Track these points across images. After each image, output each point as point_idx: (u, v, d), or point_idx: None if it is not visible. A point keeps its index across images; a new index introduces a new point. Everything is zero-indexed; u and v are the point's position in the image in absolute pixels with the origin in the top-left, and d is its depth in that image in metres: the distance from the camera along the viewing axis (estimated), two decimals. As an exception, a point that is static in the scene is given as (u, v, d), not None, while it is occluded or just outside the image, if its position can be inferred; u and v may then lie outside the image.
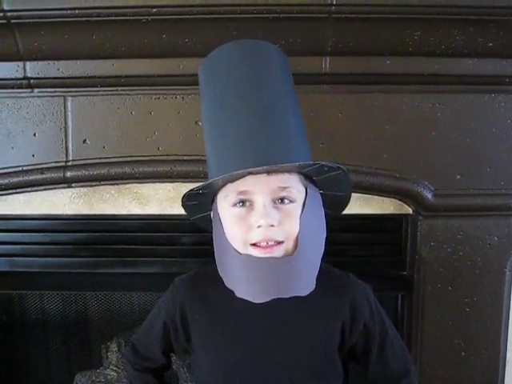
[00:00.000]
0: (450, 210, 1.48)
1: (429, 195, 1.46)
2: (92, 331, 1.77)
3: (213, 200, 1.03)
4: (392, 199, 1.53)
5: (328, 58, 1.37)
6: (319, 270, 0.99)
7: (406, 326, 1.63)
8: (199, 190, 0.97)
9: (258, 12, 1.27)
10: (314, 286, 0.98)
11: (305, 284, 0.97)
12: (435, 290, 1.52)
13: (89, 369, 1.67)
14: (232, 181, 0.95)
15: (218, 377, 1.06)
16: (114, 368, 1.63)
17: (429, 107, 1.43)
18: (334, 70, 1.39)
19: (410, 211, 1.54)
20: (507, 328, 1.56)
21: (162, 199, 1.55)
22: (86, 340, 1.79)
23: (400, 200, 1.52)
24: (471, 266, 1.51)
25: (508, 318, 1.56)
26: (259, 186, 0.94)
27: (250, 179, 0.94)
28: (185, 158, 1.44)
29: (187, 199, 1.02)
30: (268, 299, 0.95)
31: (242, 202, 0.96)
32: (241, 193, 0.95)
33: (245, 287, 0.97)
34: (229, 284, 0.99)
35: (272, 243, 0.94)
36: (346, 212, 1.13)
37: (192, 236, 1.60)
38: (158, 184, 1.53)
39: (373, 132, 1.44)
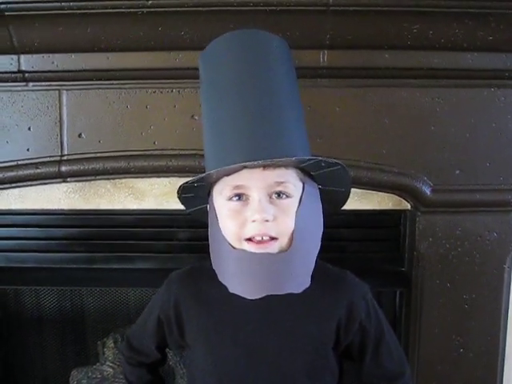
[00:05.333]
0: (448, 205, 1.47)
1: (427, 191, 1.45)
2: (88, 327, 1.77)
3: (209, 193, 1.02)
4: (390, 195, 1.52)
5: (326, 52, 1.36)
6: (315, 267, 0.98)
7: (404, 322, 1.62)
8: (193, 183, 0.96)
9: (255, 5, 1.26)
10: (309, 284, 0.97)
11: (299, 281, 0.96)
12: (434, 287, 1.51)
13: (85, 365, 1.66)
14: (227, 174, 0.94)
15: (212, 373, 1.05)
16: (111, 364, 1.62)
17: (428, 102, 1.42)
18: (331, 64, 1.37)
19: (409, 207, 1.53)
20: (506, 325, 1.56)
21: (158, 194, 1.55)
22: (82, 336, 1.78)
23: (398, 195, 1.51)
24: (470, 262, 1.50)
25: (507, 315, 1.55)
26: (254, 181, 0.93)
27: (245, 173, 0.93)
28: (181, 152, 1.43)
29: (183, 191, 1.01)
30: (261, 295, 0.94)
31: (238, 196, 0.95)
32: (236, 187, 0.94)
33: (238, 283, 0.96)
34: (222, 279, 0.98)
35: (267, 238, 0.93)
36: (343, 208, 1.11)
37: (188, 231, 1.60)
38: (153, 179, 1.52)
39: (371, 127, 1.43)
